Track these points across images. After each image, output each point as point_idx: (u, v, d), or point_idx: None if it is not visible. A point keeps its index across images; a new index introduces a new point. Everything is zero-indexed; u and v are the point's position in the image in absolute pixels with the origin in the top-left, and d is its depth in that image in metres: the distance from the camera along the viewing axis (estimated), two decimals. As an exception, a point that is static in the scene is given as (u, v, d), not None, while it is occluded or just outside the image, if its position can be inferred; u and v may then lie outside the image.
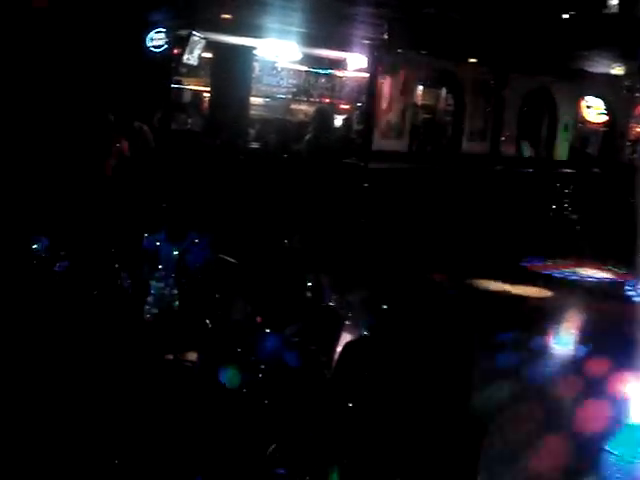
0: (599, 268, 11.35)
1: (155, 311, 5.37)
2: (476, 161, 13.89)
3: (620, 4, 12.96)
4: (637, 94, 17.54)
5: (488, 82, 14.45)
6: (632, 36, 12.09)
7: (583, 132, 18.13)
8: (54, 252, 6.01)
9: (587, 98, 17.69)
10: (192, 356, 5.17)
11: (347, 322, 5.52)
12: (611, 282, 10.89)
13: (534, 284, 10.01)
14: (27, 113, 7.72)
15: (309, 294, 5.82)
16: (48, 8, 9.66)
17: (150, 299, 5.35)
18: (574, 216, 14.15)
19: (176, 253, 5.65)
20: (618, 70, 15.70)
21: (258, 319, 5.28)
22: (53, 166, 6.90)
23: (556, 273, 10.95)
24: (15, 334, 5.05)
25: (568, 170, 15.53)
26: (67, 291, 5.74)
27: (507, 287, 9.67)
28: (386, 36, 12.11)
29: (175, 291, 5.51)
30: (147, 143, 9.57)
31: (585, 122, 18.38)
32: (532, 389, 6.56)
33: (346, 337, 5.81)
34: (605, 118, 17.90)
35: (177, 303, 5.43)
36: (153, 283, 5.42)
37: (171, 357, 5.09)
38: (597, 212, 13.34)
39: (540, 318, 8.64)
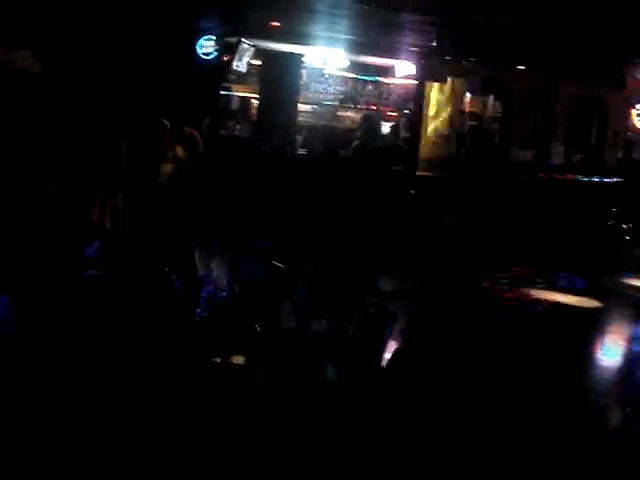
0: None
1: (205, 314, 5.44)
2: (524, 169, 13.76)
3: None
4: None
5: (537, 89, 14.31)
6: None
7: (631, 140, 17.85)
8: (106, 255, 6.13)
9: (637, 106, 17.42)
10: (239, 360, 5.22)
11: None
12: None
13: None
14: (82, 119, 7.85)
15: (362, 297, 5.84)
16: (102, 16, 9.83)
17: (201, 302, 5.44)
18: (624, 225, 13.93)
19: (227, 258, 5.72)
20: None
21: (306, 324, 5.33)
22: (109, 170, 7.01)
23: (608, 284, 10.78)
24: (68, 336, 5.14)
25: (617, 179, 15.30)
26: (119, 294, 5.84)
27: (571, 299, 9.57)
28: (435, 43, 12.07)
29: (224, 294, 5.58)
30: (197, 149, 9.64)
31: (635, 130, 18.10)
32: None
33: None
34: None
35: (228, 307, 5.51)
36: (204, 287, 5.50)
37: (218, 360, 5.15)
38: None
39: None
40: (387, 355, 5.42)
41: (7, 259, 5.71)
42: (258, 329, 5.46)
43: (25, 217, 6.38)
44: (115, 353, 5.02)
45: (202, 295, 5.48)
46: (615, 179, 15.31)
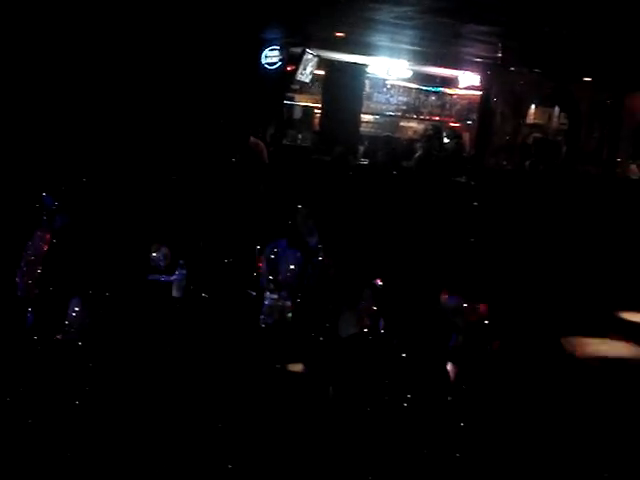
0: None
1: (269, 321, 5.49)
2: (590, 182, 13.53)
3: None
4: None
5: (604, 101, 14.08)
6: None
7: None
8: (173, 260, 6.23)
9: None
10: (297, 367, 5.25)
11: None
12: None
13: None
14: (153, 128, 8.05)
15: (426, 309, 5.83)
16: (170, 28, 10.03)
17: (265, 309, 5.49)
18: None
19: (292, 267, 5.77)
20: None
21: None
22: (177, 177, 7.16)
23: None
24: (133, 342, 5.25)
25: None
26: (185, 300, 5.94)
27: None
28: (500, 54, 11.98)
29: (289, 303, 5.62)
30: (262, 158, 9.77)
31: None
32: None
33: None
34: None
35: (290, 315, 5.55)
36: (267, 294, 5.55)
37: (278, 366, 5.18)
38: None
39: None
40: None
41: (80, 263, 5.86)
42: (320, 337, 5.49)
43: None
44: (180, 357, 5.10)
45: (265, 302, 5.53)
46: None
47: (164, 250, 6.18)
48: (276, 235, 6.56)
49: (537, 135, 14.65)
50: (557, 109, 15.60)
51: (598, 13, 9.91)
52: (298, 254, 6.01)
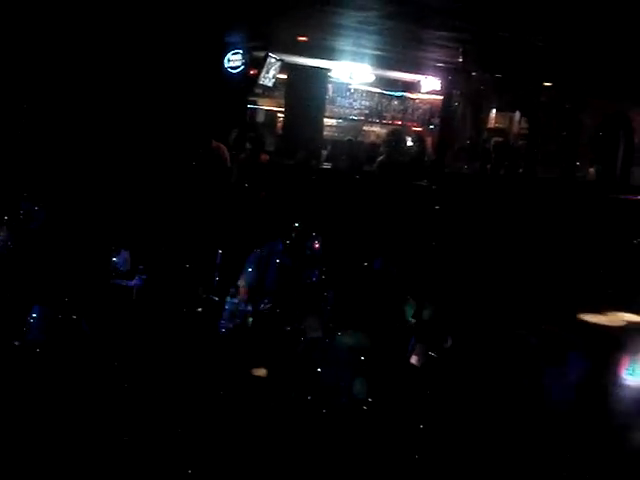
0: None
1: (230, 326, 5.47)
2: (550, 185, 13.71)
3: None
4: None
5: (564, 106, 14.29)
6: None
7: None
8: (133, 265, 6.20)
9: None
10: (261, 372, 5.25)
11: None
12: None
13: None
14: (114, 131, 8.00)
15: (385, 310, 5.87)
16: (130, 29, 9.97)
17: (225, 314, 5.47)
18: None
19: (250, 270, 5.77)
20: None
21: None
22: (139, 180, 7.13)
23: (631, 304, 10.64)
24: (93, 347, 5.21)
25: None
26: (144, 304, 5.91)
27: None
28: (461, 59, 12.09)
29: (250, 307, 5.61)
30: (224, 162, 9.75)
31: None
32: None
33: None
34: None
35: (251, 319, 5.54)
36: (228, 299, 5.53)
37: (241, 371, 5.17)
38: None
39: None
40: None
41: (40, 269, 5.80)
42: (283, 341, 5.50)
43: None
44: (141, 362, 5.08)
45: (226, 307, 5.51)
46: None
47: (124, 254, 6.14)
48: (241, 239, 6.57)
49: (498, 139, 14.82)
50: (518, 114, 15.80)
51: (557, 19, 10.05)
52: (273, 259, 6.02)
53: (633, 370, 8.00)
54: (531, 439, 5.15)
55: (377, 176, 11.00)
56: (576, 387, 6.38)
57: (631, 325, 9.39)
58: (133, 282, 6.00)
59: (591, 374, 7.06)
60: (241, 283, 5.97)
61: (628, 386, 7.27)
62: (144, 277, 5.96)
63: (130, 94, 9.58)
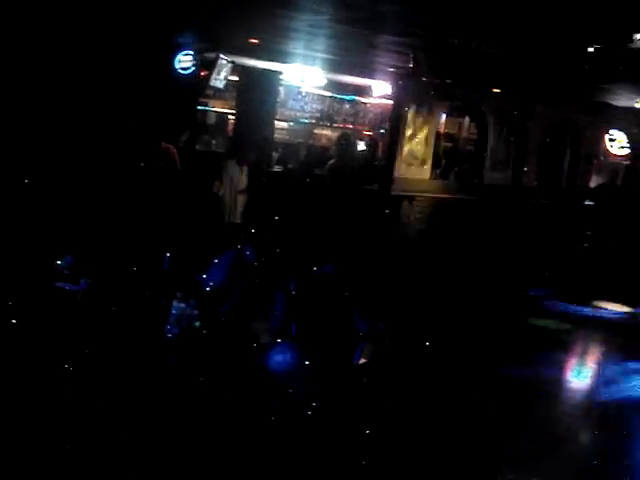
0: (618, 302, 11.23)
1: (175, 331, 5.42)
2: (498, 191, 13.88)
3: (645, 39, 12.95)
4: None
5: (512, 112, 14.46)
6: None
7: (609, 165, 18.07)
8: (78, 270, 6.10)
9: (610, 131, 17.65)
10: (208, 377, 5.21)
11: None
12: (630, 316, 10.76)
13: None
14: (60, 133, 7.85)
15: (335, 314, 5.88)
16: (80, 30, 9.81)
17: (171, 319, 5.41)
18: (595, 248, 14.08)
19: (201, 274, 5.72)
20: (642, 104, 15.68)
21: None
22: (85, 183, 7.01)
23: (574, 306, 10.85)
24: (34, 350, 5.10)
25: (590, 202, 15.48)
26: (88, 308, 5.82)
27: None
28: (411, 64, 12.16)
29: (196, 311, 5.57)
30: (174, 164, 9.66)
31: (608, 155, 18.33)
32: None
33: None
34: (628, 151, 17.84)
35: (198, 323, 5.49)
36: (174, 303, 5.48)
37: (186, 376, 5.13)
38: (619, 246, 13.27)
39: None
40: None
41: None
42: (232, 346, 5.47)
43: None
44: (85, 366, 4.99)
45: (173, 311, 5.45)
46: (589, 203, 15.48)
47: (69, 258, 6.04)
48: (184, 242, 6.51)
49: (447, 145, 14.97)
50: (467, 119, 15.96)
51: (506, 26, 10.18)
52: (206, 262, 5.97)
53: (578, 372, 8.16)
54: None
55: (328, 180, 11.01)
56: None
57: (577, 327, 9.59)
58: (78, 286, 5.90)
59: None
60: (190, 287, 5.92)
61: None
62: (89, 281, 5.87)
63: (76, 94, 9.42)
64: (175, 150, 9.89)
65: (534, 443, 5.48)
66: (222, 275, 6.31)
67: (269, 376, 5.28)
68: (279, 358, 5.53)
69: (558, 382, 7.48)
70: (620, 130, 17.42)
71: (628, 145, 17.66)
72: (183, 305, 5.50)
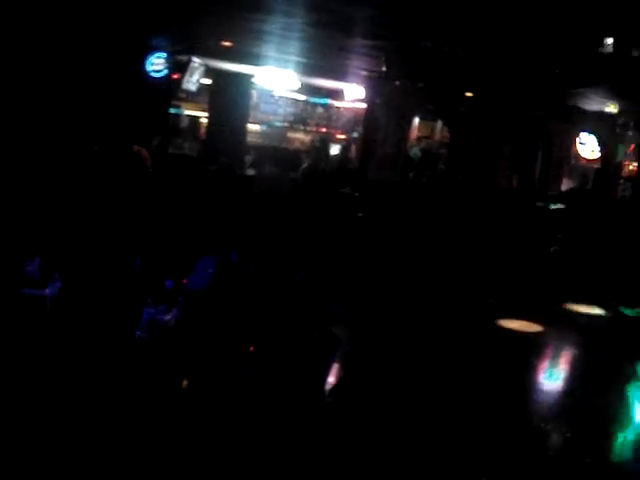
0: (587, 304, 11.31)
1: (145, 337, 5.36)
2: (470, 193, 13.96)
3: (615, 44, 13.11)
4: (630, 132, 17.71)
5: (484, 116, 14.56)
6: (626, 75, 12.22)
7: (579, 169, 18.27)
8: (46, 273, 6.01)
9: (581, 135, 17.84)
10: (181, 382, 5.16)
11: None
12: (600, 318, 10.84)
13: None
14: (25, 133, 7.76)
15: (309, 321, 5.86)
16: (52, 31, 9.72)
17: (142, 324, 5.35)
18: (566, 251, 14.19)
19: (171, 279, 5.67)
20: (612, 108, 15.86)
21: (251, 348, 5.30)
22: (49, 187, 6.93)
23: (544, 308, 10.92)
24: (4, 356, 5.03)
25: (561, 206, 15.61)
26: (58, 312, 5.74)
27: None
28: (384, 68, 12.19)
29: (167, 317, 5.51)
30: (145, 167, 9.58)
31: (578, 159, 18.52)
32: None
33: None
34: (598, 155, 18.05)
35: (169, 329, 5.44)
36: (145, 308, 5.42)
37: (157, 382, 5.08)
38: (588, 248, 13.39)
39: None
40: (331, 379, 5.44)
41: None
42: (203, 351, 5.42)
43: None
44: (54, 371, 4.93)
45: (143, 316, 5.39)
46: (559, 206, 15.61)
47: (37, 262, 5.95)
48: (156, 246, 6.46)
49: (420, 148, 15.04)
50: (440, 123, 16.05)
51: (478, 30, 10.24)
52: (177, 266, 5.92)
53: (550, 374, 8.20)
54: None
55: (301, 183, 11.00)
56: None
57: (547, 330, 9.63)
58: (47, 291, 5.81)
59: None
60: (161, 292, 5.86)
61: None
62: (57, 285, 5.79)
63: (45, 95, 9.33)
64: (147, 153, 9.81)
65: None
66: (198, 280, 6.26)
67: (234, 384, 5.23)
68: (246, 366, 5.48)
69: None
70: (591, 134, 17.63)
71: (598, 149, 17.88)
72: (154, 310, 5.44)
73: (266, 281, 6.64)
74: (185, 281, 6.09)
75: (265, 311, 6.00)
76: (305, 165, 11.48)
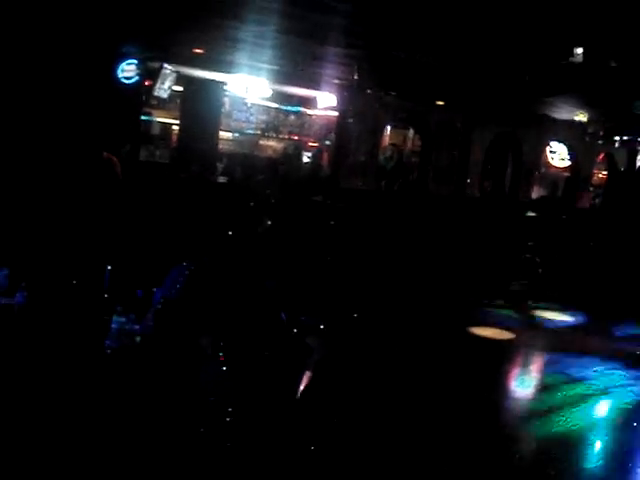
0: (558, 310, 11.40)
1: (115, 345, 5.31)
2: (442, 201, 14.03)
3: (585, 53, 13.26)
4: (599, 141, 17.92)
5: (455, 124, 14.64)
6: (596, 84, 12.36)
7: (549, 177, 18.43)
8: (14, 282, 5.93)
9: (551, 143, 18.00)
10: (149, 392, 5.10)
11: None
12: (570, 325, 10.94)
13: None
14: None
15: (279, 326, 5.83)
16: (22, 35, 9.62)
17: (111, 333, 5.30)
18: (537, 259, 14.30)
19: (142, 288, 5.61)
20: (582, 117, 16.05)
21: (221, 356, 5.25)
22: (22, 193, 6.84)
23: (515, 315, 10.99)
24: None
25: (532, 214, 15.74)
26: (25, 323, 5.66)
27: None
28: (356, 76, 12.22)
29: (137, 326, 5.46)
30: (115, 175, 9.48)
31: (549, 167, 18.69)
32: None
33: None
34: (568, 163, 18.23)
35: (139, 339, 5.38)
36: (115, 317, 5.37)
37: (127, 393, 5.01)
38: (559, 256, 13.51)
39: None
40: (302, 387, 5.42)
41: None
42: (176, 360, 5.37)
43: None
44: (20, 382, 4.86)
45: (112, 326, 5.34)
46: (530, 214, 15.73)
47: (4, 271, 5.87)
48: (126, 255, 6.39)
49: (391, 156, 15.08)
50: (411, 131, 16.11)
51: (449, 39, 10.31)
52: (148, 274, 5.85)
53: (522, 381, 8.24)
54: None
55: (273, 191, 10.97)
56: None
57: (519, 338, 9.70)
58: (14, 299, 5.74)
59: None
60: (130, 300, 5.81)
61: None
62: (26, 294, 5.71)
63: (12, 100, 9.23)
64: (117, 160, 9.72)
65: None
66: (169, 289, 6.19)
67: (204, 391, 5.18)
68: (215, 375, 5.42)
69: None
70: (560, 142, 17.80)
71: (568, 157, 18.06)
72: (123, 319, 5.39)
73: (237, 289, 6.60)
74: (156, 290, 6.02)
75: (236, 319, 5.97)
76: (279, 173, 11.48)
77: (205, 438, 4.58)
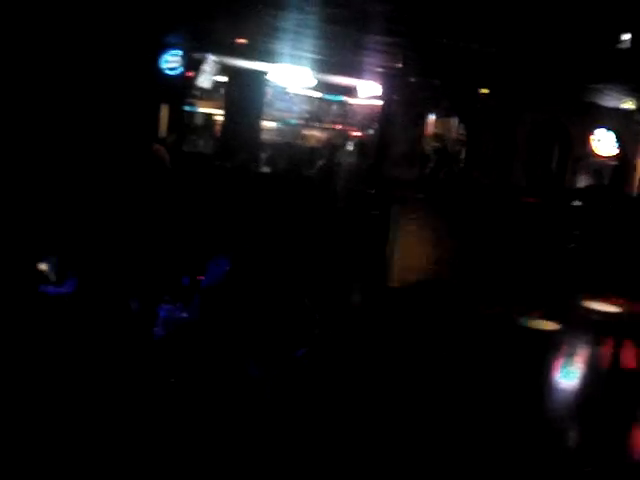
0: (607, 301, 11.23)
1: (163, 334, 5.35)
2: (487, 191, 13.86)
3: (633, 39, 12.99)
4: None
5: (500, 113, 14.46)
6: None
7: (594, 165, 18.12)
8: (63, 271, 6.00)
9: (596, 131, 17.69)
10: (198, 380, 5.13)
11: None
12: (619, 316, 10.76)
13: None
14: (48, 133, 7.76)
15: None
16: (67, 30, 9.71)
17: (159, 321, 5.34)
18: (583, 249, 14.09)
19: (188, 276, 5.65)
20: (629, 104, 15.73)
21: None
22: (67, 185, 6.91)
23: (567, 307, 10.85)
24: (22, 356, 5.02)
25: (578, 203, 15.49)
26: (74, 312, 5.72)
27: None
28: (400, 64, 12.12)
29: (184, 314, 5.49)
30: (164, 164, 9.57)
31: (594, 155, 18.37)
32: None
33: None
34: (614, 152, 17.89)
35: (186, 327, 5.41)
36: (163, 305, 5.41)
37: (173, 380, 5.05)
38: (607, 246, 13.28)
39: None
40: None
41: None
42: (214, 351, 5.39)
43: None
44: (69, 371, 4.91)
45: (160, 314, 5.38)
46: (576, 203, 15.48)
47: (53, 260, 5.94)
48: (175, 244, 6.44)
49: (436, 145, 14.95)
50: (456, 120, 15.94)
51: (494, 26, 10.17)
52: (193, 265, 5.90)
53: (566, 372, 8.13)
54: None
55: (316, 181, 10.96)
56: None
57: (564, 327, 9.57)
58: (63, 289, 5.80)
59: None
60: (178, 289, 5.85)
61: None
62: (75, 283, 5.78)
63: (62, 94, 9.33)
64: (165, 150, 9.81)
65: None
66: (213, 277, 6.22)
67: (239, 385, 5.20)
68: (252, 368, 5.43)
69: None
70: (608, 130, 17.47)
71: (616, 145, 17.72)
72: (171, 307, 5.43)
73: (277, 282, 6.61)
74: (201, 278, 6.06)
75: (276, 313, 5.97)
76: (321, 162, 11.44)
77: (263, 421, 4.60)
